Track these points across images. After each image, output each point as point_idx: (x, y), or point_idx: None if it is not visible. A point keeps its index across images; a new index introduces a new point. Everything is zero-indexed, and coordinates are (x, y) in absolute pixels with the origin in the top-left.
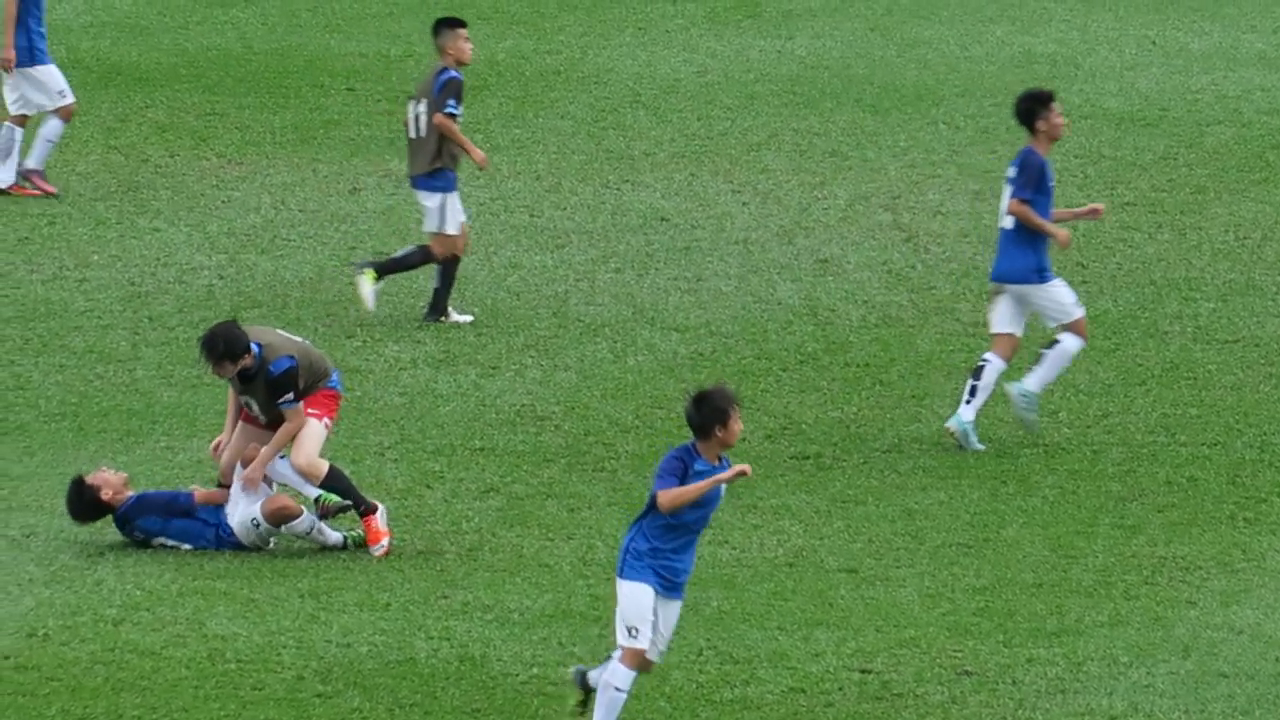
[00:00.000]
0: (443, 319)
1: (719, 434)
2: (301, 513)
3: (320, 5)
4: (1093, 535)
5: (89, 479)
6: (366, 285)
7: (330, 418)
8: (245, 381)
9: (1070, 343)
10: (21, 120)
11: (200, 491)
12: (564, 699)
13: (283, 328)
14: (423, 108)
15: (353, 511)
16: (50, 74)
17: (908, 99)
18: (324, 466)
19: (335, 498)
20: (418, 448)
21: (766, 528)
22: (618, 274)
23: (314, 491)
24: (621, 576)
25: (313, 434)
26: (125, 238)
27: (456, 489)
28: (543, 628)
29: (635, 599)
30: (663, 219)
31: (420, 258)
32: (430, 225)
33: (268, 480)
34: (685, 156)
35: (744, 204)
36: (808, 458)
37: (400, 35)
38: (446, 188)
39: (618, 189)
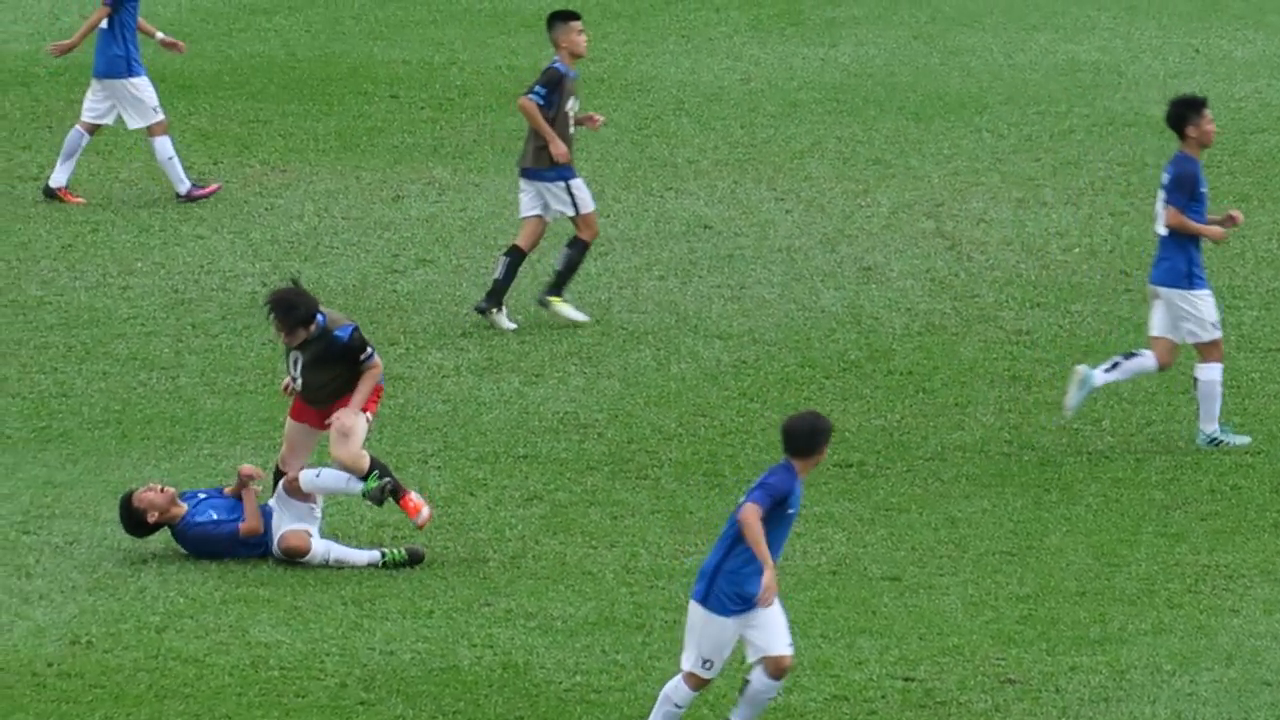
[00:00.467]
0: (494, 311)
1: (817, 457)
2: (309, 550)
3: (364, 12)
4: (1136, 543)
5: (135, 501)
6: (564, 308)
7: (373, 412)
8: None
9: (1149, 361)
10: (93, 128)
11: (244, 526)
12: (606, 706)
13: None
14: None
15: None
16: (145, 87)
17: (951, 106)
18: (366, 460)
19: (374, 483)
20: (461, 455)
21: (810, 535)
22: (661, 281)
23: (358, 487)
24: (705, 605)
25: (358, 428)
26: (169, 245)
27: (500, 496)
28: (586, 635)
29: (718, 634)
30: (706, 226)
31: (577, 253)
32: (567, 212)
33: (310, 497)
34: (729, 164)
35: (787, 211)
36: (851, 465)
37: (444, 42)
38: (566, 175)
39: (661, 196)
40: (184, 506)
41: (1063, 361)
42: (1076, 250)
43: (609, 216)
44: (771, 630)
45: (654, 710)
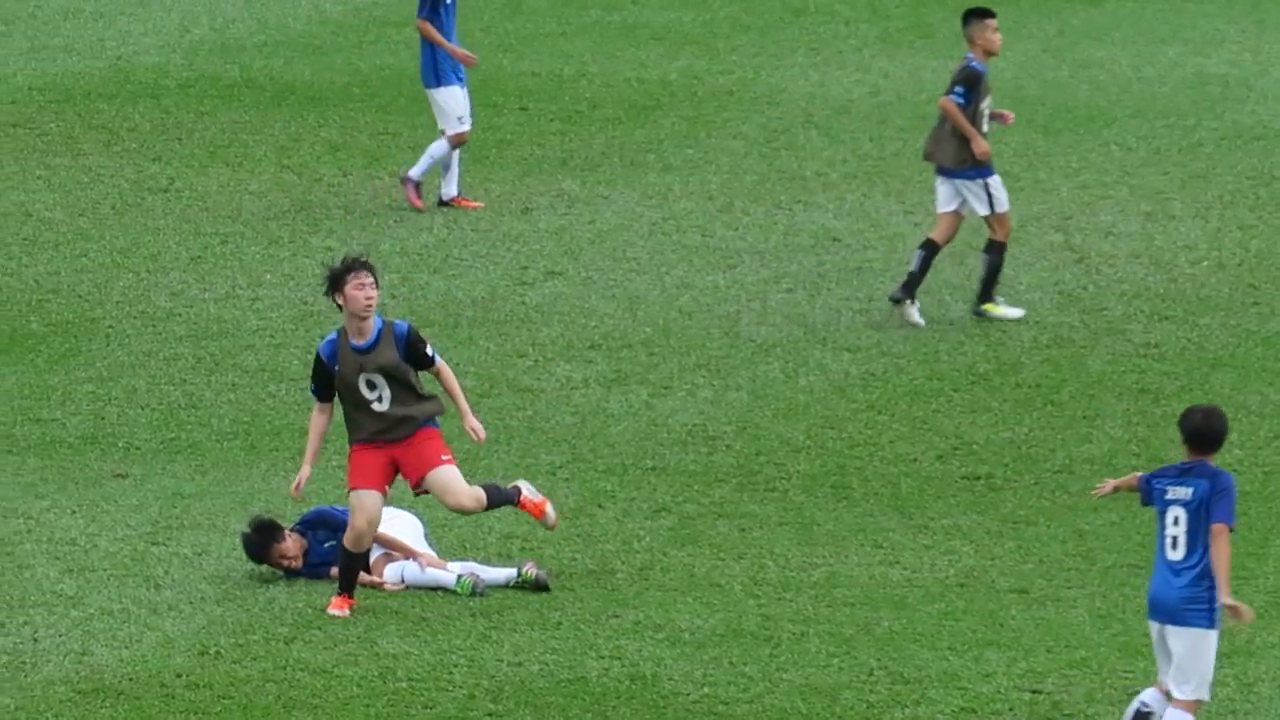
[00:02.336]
0: (906, 303)
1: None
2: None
3: (493, 25)
4: (1264, 556)
5: (275, 554)
6: (1001, 310)
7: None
8: (363, 354)
9: None
10: (461, 138)
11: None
12: (733, 719)
13: (455, 347)
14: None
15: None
16: (453, 97)
17: (1080, 120)
18: (482, 492)
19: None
20: (589, 467)
21: (938, 548)
22: (789, 294)
23: (451, 579)
24: (1212, 626)
25: (454, 477)
26: (298, 256)
27: (628, 508)
28: (714, 647)
29: (1212, 650)
30: (835, 239)
31: (995, 256)
32: (982, 210)
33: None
34: (857, 177)
35: (916, 225)
36: (979, 478)
37: (573, 55)
38: (984, 173)
39: (790, 209)
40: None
41: (1190, 375)
42: (1205, 263)
43: (737, 229)
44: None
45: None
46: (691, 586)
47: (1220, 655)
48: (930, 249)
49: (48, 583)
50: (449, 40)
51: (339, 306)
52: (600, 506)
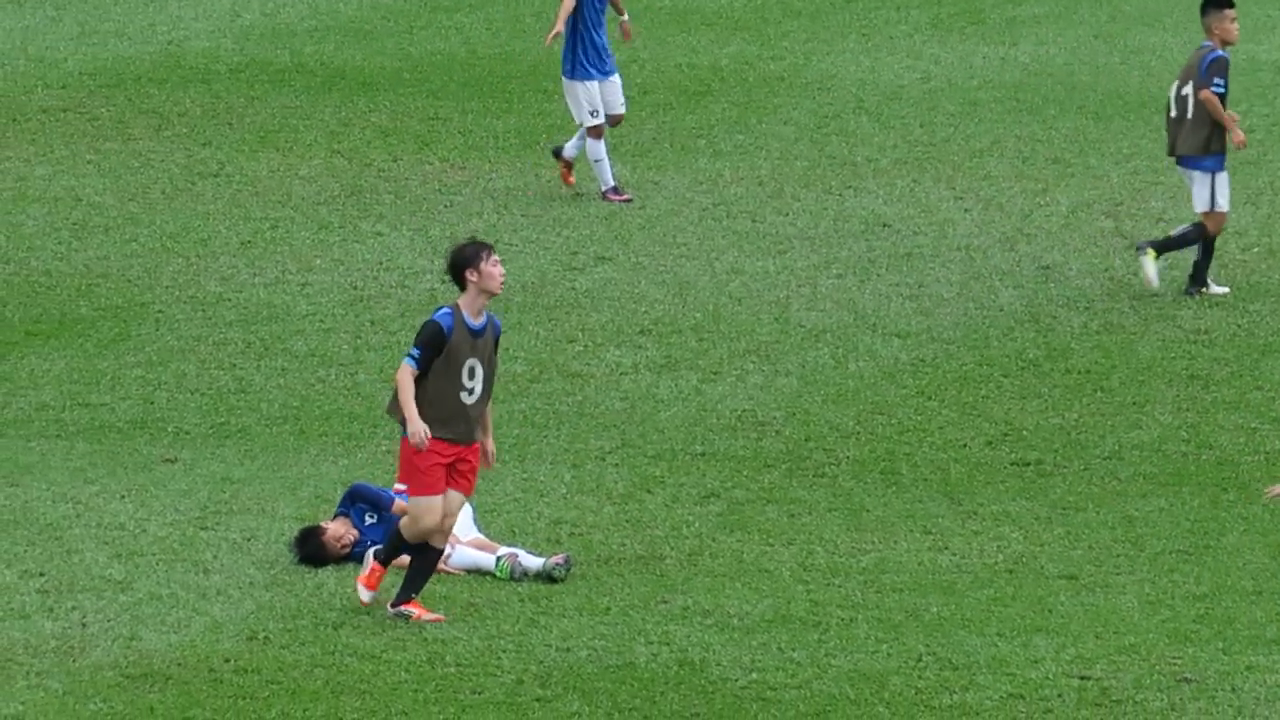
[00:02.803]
0: (1203, 291)
1: None
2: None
3: (545, 10)
4: None
5: (328, 543)
6: (1150, 265)
7: None
8: (476, 336)
9: None
10: (597, 131)
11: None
12: (782, 704)
13: (505, 332)
14: (1189, 89)
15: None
16: (586, 90)
17: (1131, 106)
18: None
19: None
20: (638, 452)
21: (986, 534)
22: (839, 280)
23: (491, 561)
24: None
25: (466, 510)
26: (348, 241)
27: (677, 494)
28: (762, 633)
29: None
30: (885, 225)
31: (1196, 235)
32: (1200, 205)
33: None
34: (908, 163)
35: (966, 210)
36: (1028, 464)
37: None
38: (1216, 167)
39: (840, 195)
40: (356, 531)
41: (1240, 361)
42: (1255, 250)
43: (787, 215)
44: None
45: None
46: (740, 572)
47: (1269, 642)
48: (1200, 230)
49: (96, 567)
50: (592, 31)
51: (462, 285)
52: (649, 492)
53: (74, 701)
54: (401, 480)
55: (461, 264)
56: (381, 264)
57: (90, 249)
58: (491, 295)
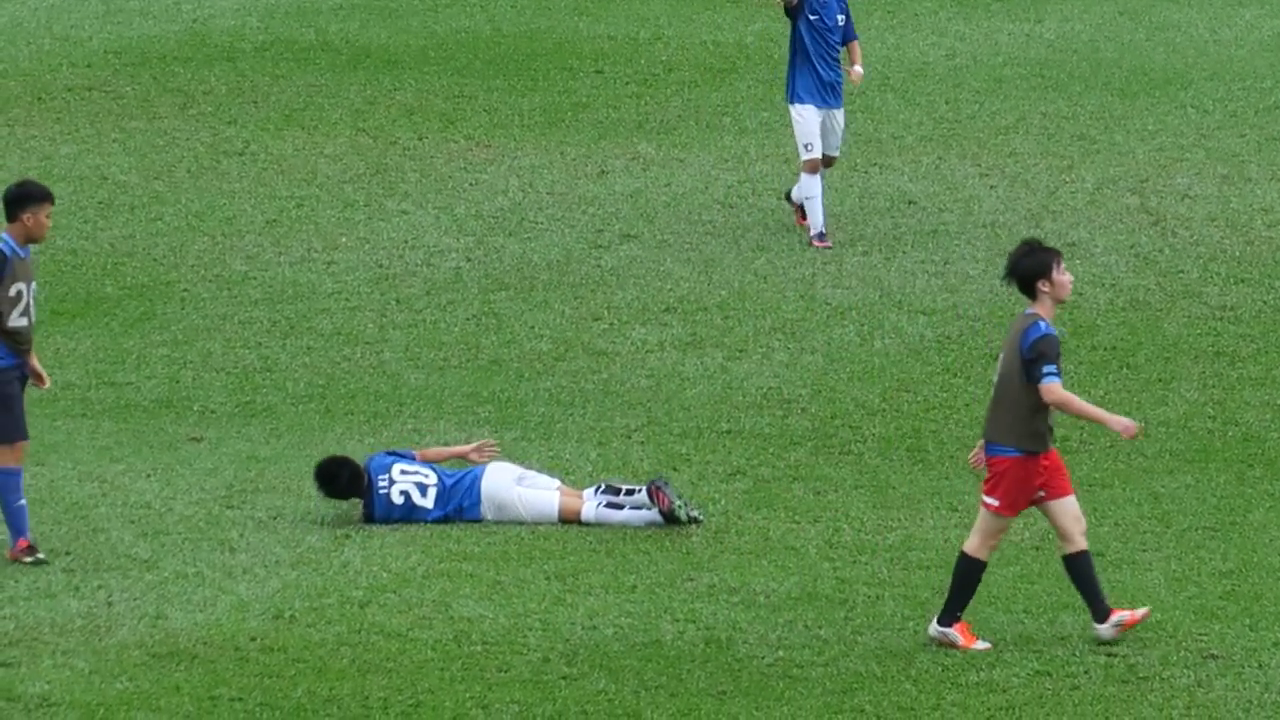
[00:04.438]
0: None
1: None
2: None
3: None
4: None
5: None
6: None
7: None
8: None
9: None
10: (810, 165)
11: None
12: (809, 681)
13: (530, 311)
14: None
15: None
16: (802, 117)
17: (1156, 82)
18: None
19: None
20: (664, 430)
21: None
22: (865, 257)
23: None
24: None
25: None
26: (373, 220)
27: (703, 471)
28: (789, 610)
29: None
30: (910, 202)
31: None
32: None
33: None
34: (933, 140)
35: (991, 187)
36: (1055, 441)
37: (649, 18)
38: None
39: (865, 172)
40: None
41: (1267, 337)
42: None
43: None
44: None
45: None
46: (767, 550)
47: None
48: None
49: (122, 546)
50: (812, 60)
51: (1047, 294)
52: (675, 469)
53: (100, 680)
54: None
55: (1035, 273)
56: (407, 242)
57: (116, 228)
58: (1062, 303)
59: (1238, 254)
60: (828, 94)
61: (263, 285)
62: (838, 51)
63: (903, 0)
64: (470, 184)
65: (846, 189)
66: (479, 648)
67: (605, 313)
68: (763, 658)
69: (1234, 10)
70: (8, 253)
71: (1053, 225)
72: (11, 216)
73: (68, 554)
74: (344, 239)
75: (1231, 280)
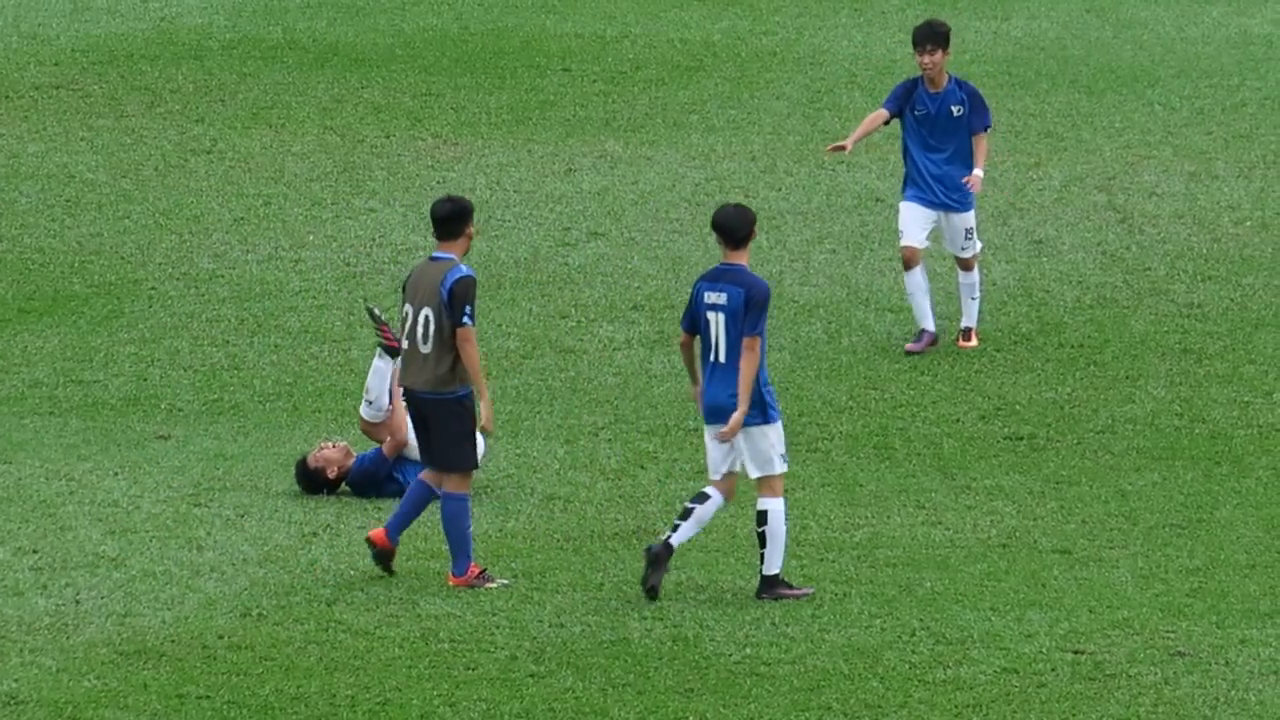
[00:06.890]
0: None
1: None
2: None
3: None
4: None
5: (311, 462)
6: None
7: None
8: None
9: None
10: (902, 256)
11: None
12: (776, 679)
13: (498, 308)
14: None
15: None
16: (901, 213)
17: (1123, 80)
18: None
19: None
20: (632, 428)
21: (980, 508)
22: (832, 255)
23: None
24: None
25: None
26: (341, 218)
27: (670, 469)
28: (756, 608)
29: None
30: (877, 200)
31: None
32: None
33: None
34: (900, 137)
35: None
36: (1021, 438)
37: (616, 16)
38: None
39: (832, 170)
40: (354, 454)
41: (1233, 335)
42: (1248, 223)
43: (780, 190)
44: None
45: None
46: (734, 547)
47: (1263, 615)
48: None
49: (90, 544)
50: (914, 153)
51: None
52: (642, 467)
53: (68, 678)
54: None
55: None
56: (374, 240)
57: (83, 226)
58: None
59: (1205, 251)
60: (934, 189)
61: (230, 283)
62: (935, 141)
63: None
64: (438, 182)
65: (814, 187)
66: (446, 645)
67: (573, 310)
68: (730, 655)
69: (1201, 8)
70: None
71: (1020, 222)
72: None
73: (35, 552)
74: (311, 237)
75: (1198, 278)
